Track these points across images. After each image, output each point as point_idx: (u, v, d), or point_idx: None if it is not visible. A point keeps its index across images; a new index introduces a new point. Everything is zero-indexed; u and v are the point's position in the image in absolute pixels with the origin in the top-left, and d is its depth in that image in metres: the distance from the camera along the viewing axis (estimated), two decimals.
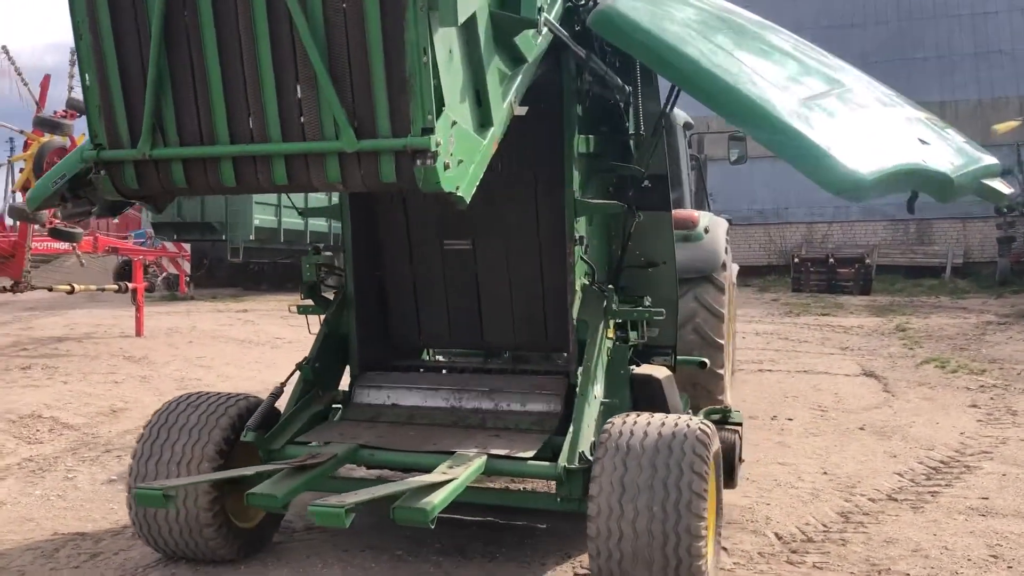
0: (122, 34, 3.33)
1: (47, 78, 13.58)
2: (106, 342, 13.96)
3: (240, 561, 4.79)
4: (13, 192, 15.91)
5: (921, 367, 11.77)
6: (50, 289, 12.81)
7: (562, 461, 4.32)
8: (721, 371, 7.52)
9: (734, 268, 10.41)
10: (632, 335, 5.52)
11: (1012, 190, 5.63)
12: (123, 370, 11.40)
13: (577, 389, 4.66)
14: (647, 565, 3.92)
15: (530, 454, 4.43)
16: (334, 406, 5.33)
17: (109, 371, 11.32)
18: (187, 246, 21.89)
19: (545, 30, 4.10)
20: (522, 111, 3.89)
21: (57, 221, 11.53)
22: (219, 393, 5.00)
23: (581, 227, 4.98)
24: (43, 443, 7.61)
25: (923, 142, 4.36)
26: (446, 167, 3.18)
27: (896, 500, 5.96)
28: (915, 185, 4.16)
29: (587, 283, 5.03)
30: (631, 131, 5.54)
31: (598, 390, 4.81)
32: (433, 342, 5.83)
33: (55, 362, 12.04)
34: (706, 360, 6.28)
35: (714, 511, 4.49)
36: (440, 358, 6.65)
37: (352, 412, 5.22)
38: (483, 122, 3.61)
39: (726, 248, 7.87)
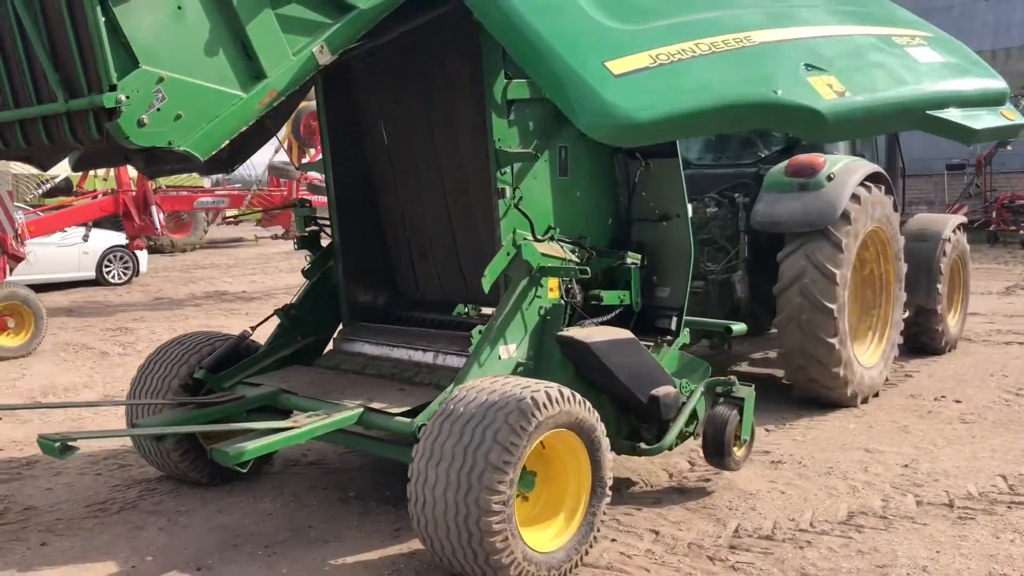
0: None
1: None
2: None
3: (212, 485, 5.28)
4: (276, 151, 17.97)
5: None
6: None
7: (420, 419, 4.21)
8: (832, 340, 6.59)
9: (949, 220, 8.90)
10: (618, 295, 5.12)
11: (1015, 119, 4.16)
12: None
13: (471, 347, 4.47)
14: (446, 534, 3.74)
15: (401, 410, 4.36)
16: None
17: None
18: None
19: None
20: (328, 60, 3.80)
21: (312, 177, 12.96)
22: (206, 333, 5.51)
23: (509, 177, 4.69)
24: None
25: (811, 68, 3.46)
26: (140, 123, 3.27)
27: (952, 507, 4.88)
28: (755, 123, 3.36)
29: (527, 237, 4.72)
30: None
31: (507, 350, 4.56)
32: (431, 295, 5.82)
33: None
34: (732, 325, 5.55)
35: (583, 489, 4.12)
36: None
37: (324, 359, 5.47)
38: (255, 74, 3.62)
39: (856, 196, 6.77)
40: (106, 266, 15.90)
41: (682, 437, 5.11)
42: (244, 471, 3.95)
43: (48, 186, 12.84)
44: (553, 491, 4.13)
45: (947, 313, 8.91)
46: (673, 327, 5.32)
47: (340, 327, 5.68)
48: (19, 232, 10.41)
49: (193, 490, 5.26)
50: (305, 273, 5.60)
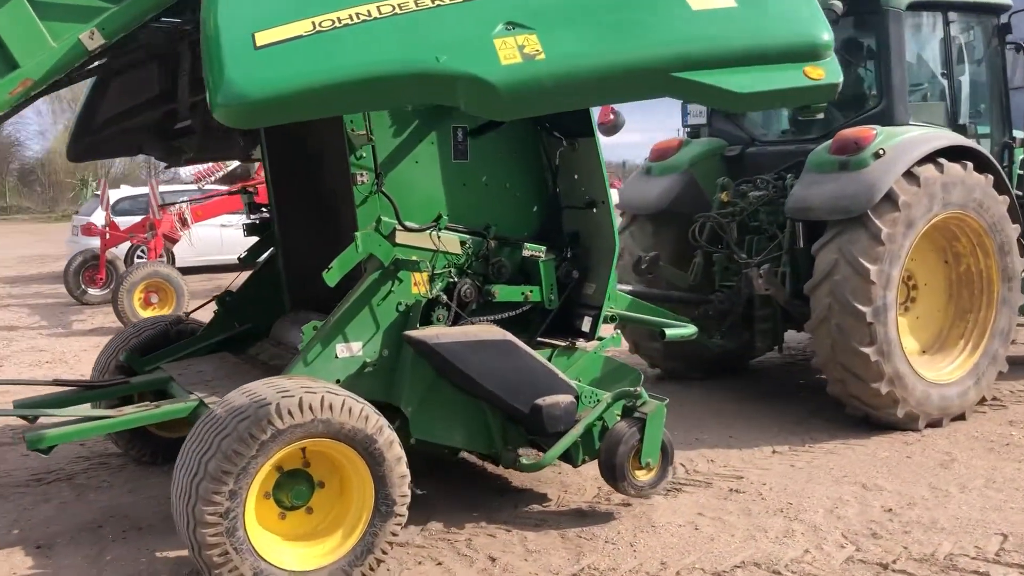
0: None
1: None
2: None
3: (156, 464, 5.42)
4: None
5: None
6: None
7: None
8: (867, 349, 5.52)
9: None
10: (522, 290, 4.61)
11: (823, 78, 2.89)
12: None
13: (301, 345, 4.21)
14: (185, 542, 3.56)
15: None
16: None
17: None
18: None
19: None
20: (99, 44, 3.72)
21: None
22: (158, 317, 5.68)
23: (368, 161, 4.33)
24: None
25: (515, 27, 2.76)
26: None
27: (886, 568, 3.88)
28: (413, 97, 2.73)
29: (394, 225, 4.35)
30: None
31: (348, 349, 4.25)
32: None
33: None
34: (667, 329, 4.75)
35: (365, 506, 3.74)
36: None
37: (253, 348, 5.42)
38: (9, 64, 3.64)
39: (913, 176, 5.59)
40: None
41: (594, 454, 4.53)
42: (47, 455, 4.02)
43: (220, 173, 14.02)
44: (343, 506, 3.79)
45: None
46: (587, 328, 4.69)
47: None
48: (183, 216, 11.44)
49: (136, 469, 5.45)
50: (242, 260, 5.59)
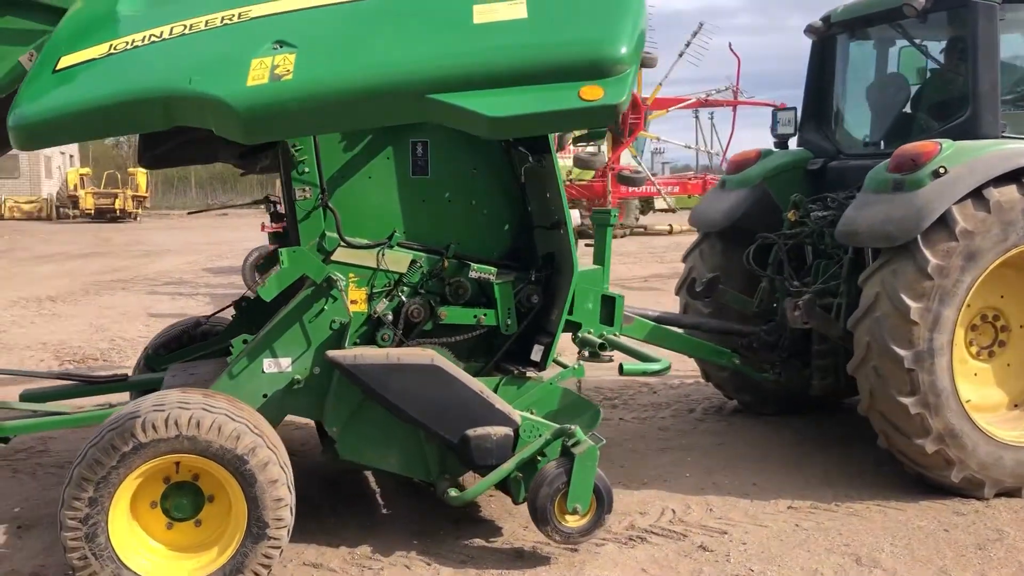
0: None
1: None
2: None
3: None
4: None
5: None
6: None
7: None
8: (907, 400, 4.80)
9: None
10: (474, 313, 4.44)
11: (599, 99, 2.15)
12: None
13: (229, 358, 4.26)
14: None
15: None
16: None
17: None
18: None
19: None
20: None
21: (620, 167, 12.71)
22: (194, 317, 5.97)
23: (312, 175, 4.31)
24: None
25: (284, 45, 2.53)
26: None
27: None
28: (168, 119, 2.55)
29: (337, 239, 4.31)
30: None
31: (276, 364, 4.24)
32: None
33: None
34: (626, 365, 4.31)
35: (239, 526, 3.73)
36: None
37: None
38: None
39: (983, 199, 4.77)
40: None
41: None
42: (5, 444, 4.34)
43: None
44: (228, 523, 3.80)
45: None
46: (537, 357, 4.40)
47: None
48: None
49: None
50: (258, 268, 5.74)
